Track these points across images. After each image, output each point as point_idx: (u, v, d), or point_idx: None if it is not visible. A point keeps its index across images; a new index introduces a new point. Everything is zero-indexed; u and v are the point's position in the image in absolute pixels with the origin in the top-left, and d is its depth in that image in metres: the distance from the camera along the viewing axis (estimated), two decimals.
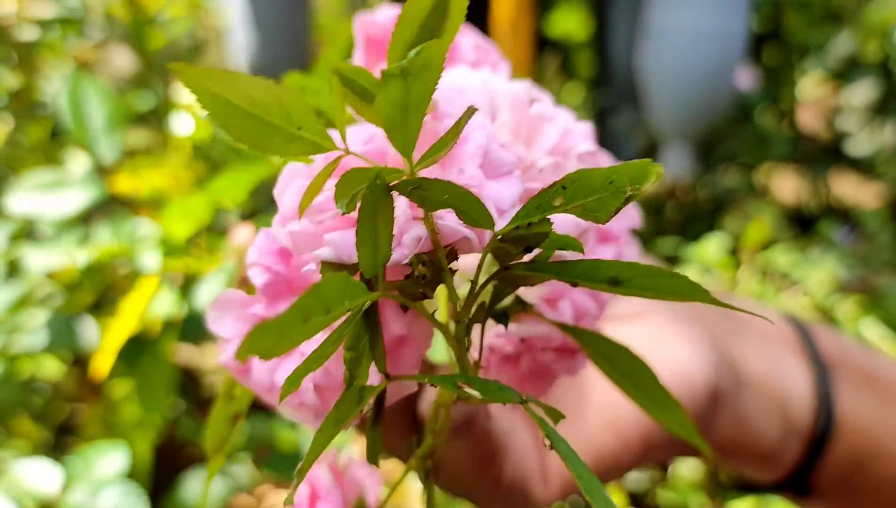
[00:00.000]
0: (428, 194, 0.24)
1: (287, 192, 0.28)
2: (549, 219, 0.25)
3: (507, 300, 0.32)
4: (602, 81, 2.12)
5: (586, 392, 0.44)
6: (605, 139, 2.12)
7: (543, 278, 0.28)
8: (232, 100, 0.23)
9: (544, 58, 2.61)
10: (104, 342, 0.73)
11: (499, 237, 0.26)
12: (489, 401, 0.26)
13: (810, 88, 2.52)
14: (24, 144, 1.10)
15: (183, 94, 1.17)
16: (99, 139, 0.77)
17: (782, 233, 1.88)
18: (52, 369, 1.00)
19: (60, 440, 1.19)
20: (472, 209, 0.24)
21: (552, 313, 0.33)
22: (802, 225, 2.03)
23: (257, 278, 0.30)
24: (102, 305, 0.87)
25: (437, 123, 0.28)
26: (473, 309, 0.29)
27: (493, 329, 0.33)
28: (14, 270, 0.79)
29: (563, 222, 0.27)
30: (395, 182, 0.24)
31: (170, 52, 1.43)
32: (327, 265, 0.27)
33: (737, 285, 1.36)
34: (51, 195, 0.74)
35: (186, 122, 1.05)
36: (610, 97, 2.08)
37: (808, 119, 2.54)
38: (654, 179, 0.23)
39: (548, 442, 0.25)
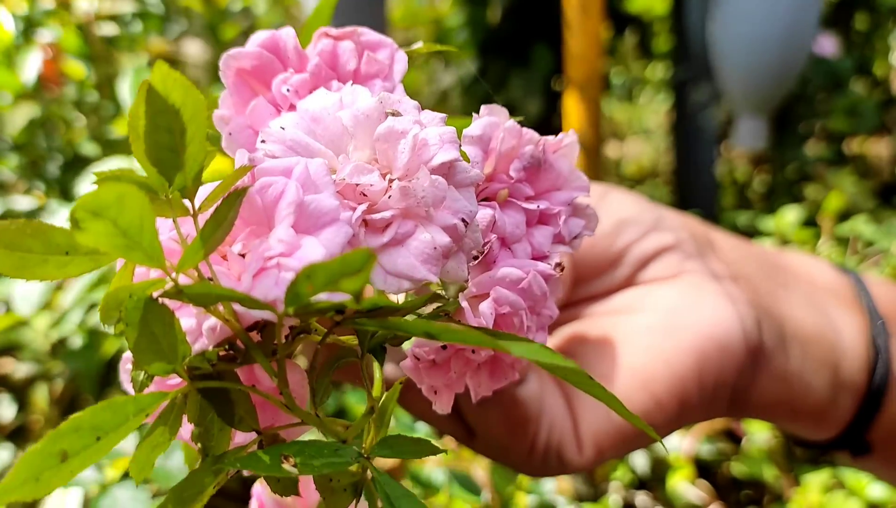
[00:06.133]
0: (195, 298, 0.25)
1: None
2: (315, 300, 0.24)
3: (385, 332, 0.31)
4: (680, 56, 2.07)
5: (618, 355, 0.43)
6: (685, 115, 2.08)
7: (368, 330, 0.30)
8: None
9: (623, 36, 2.57)
10: None
11: (290, 313, 0.25)
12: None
13: None
14: (104, 138, 1.14)
15: None
16: None
17: (865, 203, 1.81)
18: None
19: None
20: (243, 301, 0.24)
21: (475, 319, 0.33)
22: (890, 195, 1.95)
23: None
24: None
25: (259, 196, 0.27)
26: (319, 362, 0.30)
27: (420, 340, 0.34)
28: None
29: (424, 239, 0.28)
30: (160, 292, 0.25)
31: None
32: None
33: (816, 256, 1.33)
34: None
35: None
36: (688, 72, 2.03)
37: None
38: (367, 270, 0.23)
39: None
